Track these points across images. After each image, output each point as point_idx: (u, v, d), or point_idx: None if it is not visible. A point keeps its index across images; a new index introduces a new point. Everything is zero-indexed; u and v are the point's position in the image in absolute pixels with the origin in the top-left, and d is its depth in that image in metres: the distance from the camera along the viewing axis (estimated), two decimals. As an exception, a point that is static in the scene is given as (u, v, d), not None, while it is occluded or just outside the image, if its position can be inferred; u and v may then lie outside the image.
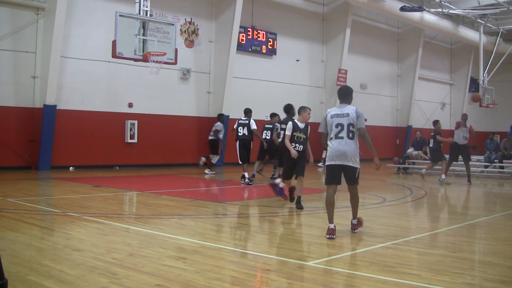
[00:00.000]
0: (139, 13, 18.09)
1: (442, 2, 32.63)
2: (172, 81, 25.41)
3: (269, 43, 29.51)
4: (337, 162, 9.20)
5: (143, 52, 18.09)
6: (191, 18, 26.25)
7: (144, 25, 18.21)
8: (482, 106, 36.38)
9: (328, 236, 8.84)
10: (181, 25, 25.59)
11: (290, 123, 12.63)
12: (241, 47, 27.77)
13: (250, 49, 28.57)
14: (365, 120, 9.95)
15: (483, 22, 36.87)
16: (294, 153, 12.11)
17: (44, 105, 21.08)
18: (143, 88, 24.08)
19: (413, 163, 26.29)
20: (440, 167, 20.60)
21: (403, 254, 8.03)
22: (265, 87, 28.94)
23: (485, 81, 36.22)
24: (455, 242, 9.16)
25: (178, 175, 21.64)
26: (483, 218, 12.03)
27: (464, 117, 20.68)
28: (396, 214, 12.80)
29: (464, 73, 45.21)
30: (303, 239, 9.02)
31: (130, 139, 23.66)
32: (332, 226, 9.04)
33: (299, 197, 12.51)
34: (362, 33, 34.85)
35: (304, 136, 12.55)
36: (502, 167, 24.55)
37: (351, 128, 9.19)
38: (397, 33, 39.39)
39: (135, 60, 18.56)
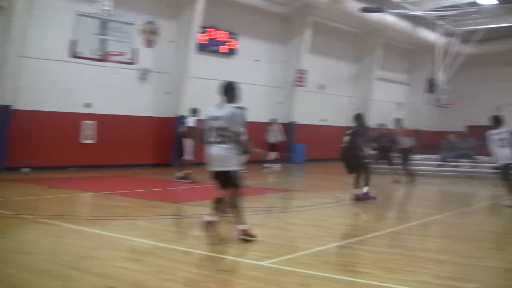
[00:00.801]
0: (98, 12, 17.94)
1: (401, 4, 32.90)
2: (131, 81, 25.19)
3: (229, 43, 29.45)
4: (214, 169, 8.75)
5: (102, 51, 17.95)
6: (151, 18, 26.08)
7: (103, 25, 18.05)
8: (439, 106, 36.81)
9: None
10: (140, 25, 25.40)
11: None
12: (201, 47, 27.67)
13: (210, 49, 28.47)
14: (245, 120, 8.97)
15: (441, 23, 37.29)
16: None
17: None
18: (102, 88, 23.83)
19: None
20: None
21: (357, 253, 8.11)
22: (224, 87, 28.88)
23: (442, 82, 36.65)
24: (408, 240, 9.27)
25: (135, 175, 21.50)
26: (436, 217, 12.16)
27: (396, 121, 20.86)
28: (350, 213, 12.91)
29: (421, 73, 45.49)
30: (258, 239, 9.03)
31: (87, 139, 23.43)
32: (240, 227, 8.74)
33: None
34: (322, 34, 34.93)
35: None
36: (456, 167, 24.88)
37: (225, 132, 8.55)
38: (356, 34, 39.60)
39: (94, 59, 18.40)
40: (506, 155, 13.99)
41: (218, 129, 8.55)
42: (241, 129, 8.55)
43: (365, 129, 16.08)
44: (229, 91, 8.84)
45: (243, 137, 8.54)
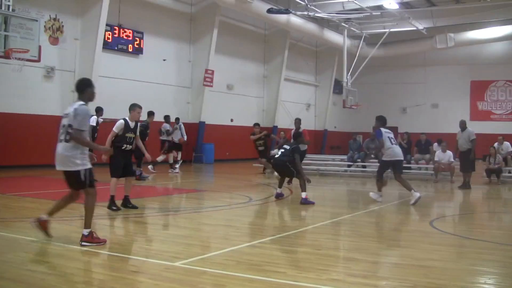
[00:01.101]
0: (1, 8, 17.42)
1: (308, 6, 33.28)
2: (35, 79, 24.57)
3: (135, 42, 29.13)
4: (58, 168, 8.48)
5: (4, 48, 17.47)
6: (56, 15, 25.51)
7: (6, 20, 17.57)
8: (346, 107, 37.48)
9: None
10: (45, 22, 24.79)
11: (122, 121, 12.11)
12: (107, 46, 27.27)
13: (116, 48, 28.08)
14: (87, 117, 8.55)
15: (347, 26, 37.98)
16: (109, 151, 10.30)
17: None
18: (5, 86, 23.15)
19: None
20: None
21: (269, 253, 8.13)
22: (132, 86, 28.53)
23: (349, 83, 37.35)
24: (320, 239, 9.36)
25: (42, 176, 20.97)
26: (346, 216, 12.35)
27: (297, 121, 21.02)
28: (262, 213, 12.97)
29: (328, 75, 46.41)
30: (169, 239, 8.95)
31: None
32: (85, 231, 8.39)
33: (127, 196, 12.25)
34: (229, 34, 35.05)
35: (134, 136, 12.25)
36: (364, 166, 25.37)
37: (69, 130, 8.24)
38: (264, 35, 39.90)
39: (-4, 56, 17.91)
40: (399, 152, 14.76)
41: (64, 126, 8.30)
42: (83, 127, 8.23)
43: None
44: (80, 88, 8.54)
45: (79, 135, 8.17)
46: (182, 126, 25.77)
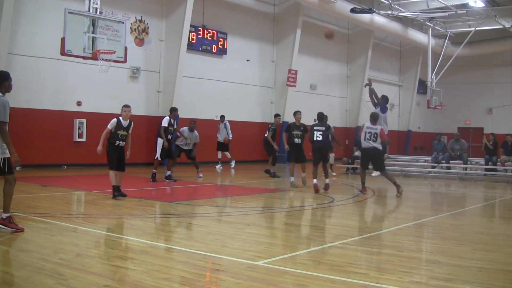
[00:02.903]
0: (89, 10, 17.84)
1: (392, 5, 32.93)
2: (121, 79, 25.15)
3: (219, 43, 29.43)
4: None
5: (92, 50, 17.85)
6: (141, 16, 26.05)
7: (93, 23, 17.97)
8: (430, 107, 36.90)
9: None
10: (131, 23, 25.36)
11: (115, 120, 13.81)
12: (191, 46, 27.64)
13: (200, 49, 28.44)
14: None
15: (431, 25, 37.37)
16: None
17: (-10, 102, 20.68)
18: (92, 87, 23.75)
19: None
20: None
21: (352, 254, 8.10)
22: (215, 86, 28.86)
23: (433, 83, 36.73)
24: (403, 241, 9.26)
25: (127, 174, 21.37)
26: (430, 218, 12.19)
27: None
28: (345, 213, 12.89)
29: (412, 75, 45.77)
30: (252, 238, 9.01)
31: (79, 138, 23.32)
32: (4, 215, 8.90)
33: (118, 187, 13.49)
34: (312, 34, 34.97)
35: (126, 133, 13.75)
36: (448, 168, 24.95)
37: None
38: (347, 35, 39.67)
39: (84, 58, 18.30)
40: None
41: None
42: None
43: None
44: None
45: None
46: (228, 124, 25.70)
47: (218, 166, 25.38)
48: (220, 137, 25.54)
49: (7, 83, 8.99)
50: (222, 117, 26.04)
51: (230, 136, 25.44)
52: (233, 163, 25.94)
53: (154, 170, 18.47)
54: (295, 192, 16.70)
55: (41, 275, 6.28)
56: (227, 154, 25.75)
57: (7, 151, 8.70)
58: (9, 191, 8.89)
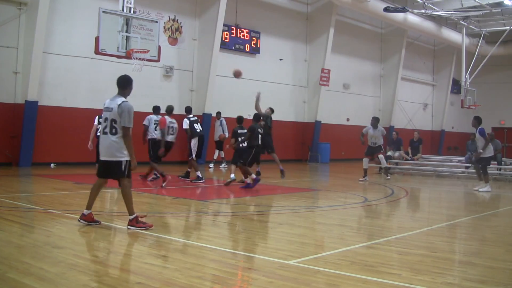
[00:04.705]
0: (123, 10, 18.00)
1: (426, 4, 32.76)
2: (155, 78, 25.32)
3: (252, 42, 29.51)
4: (103, 158, 9.36)
5: (126, 49, 17.99)
6: (174, 16, 26.19)
7: (127, 22, 18.12)
8: (464, 107, 36.62)
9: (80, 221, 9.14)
10: (164, 23, 25.53)
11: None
12: (224, 45, 27.75)
13: (233, 48, 28.54)
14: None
15: (465, 24, 37.11)
16: None
17: (26, 101, 20.92)
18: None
19: (396, 164, 26.37)
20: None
21: (384, 254, 8.06)
22: (248, 85, 28.89)
23: (467, 83, 36.45)
24: (436, 242, 9.18)
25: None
26: (463, 219, 12.10)
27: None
28: (377, 213, 12.85)
29: (446, 74, 45.42)
30: (284, 238, 9.00)
31: (112, 135, 23.42)
32: (86, 212, 9.21)
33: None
34: (345, 33, 34.92)
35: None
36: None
37: (113, 124, 9.21)
38: (381, 34, 39.50)
39: (118, 57, 18.47)
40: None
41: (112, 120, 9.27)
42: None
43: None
44: (127, 84, 9.62)
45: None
46: (224, 121, 25.01)
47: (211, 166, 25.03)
48: (216, 135, 24.93)
49: (131, 87, 9.48)
50: (218, 113, 25.38)
51: (226, 134, 24.34)
52: (224, 163, 25.26)
53: (188, 170, 18.48)
54: (326, 192, 16.66)
55: (75, 271, 6.34)
56: (221, 153, 25.18)
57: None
58: (128, 194, 9.21)
